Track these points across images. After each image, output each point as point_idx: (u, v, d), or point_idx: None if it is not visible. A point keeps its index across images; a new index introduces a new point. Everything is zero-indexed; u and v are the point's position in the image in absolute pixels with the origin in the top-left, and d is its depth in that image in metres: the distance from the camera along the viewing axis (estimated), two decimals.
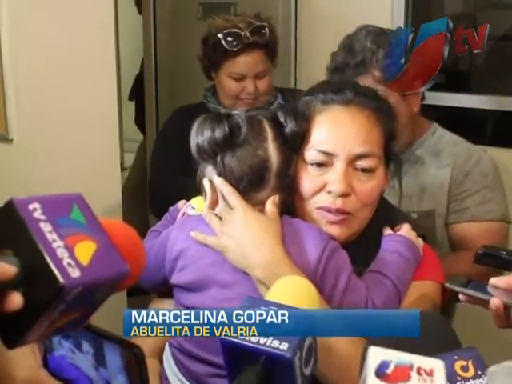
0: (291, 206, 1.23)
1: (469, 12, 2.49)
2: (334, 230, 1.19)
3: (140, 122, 3.43)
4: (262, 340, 0.69)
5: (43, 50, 1.76)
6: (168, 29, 3.05)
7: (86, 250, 0.65)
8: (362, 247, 1.23)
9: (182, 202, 1.38)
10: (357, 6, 2.47)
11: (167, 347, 1.24)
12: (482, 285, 1.04)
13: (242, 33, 1.96)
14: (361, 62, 1.64)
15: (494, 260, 1.13)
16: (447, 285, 1.08)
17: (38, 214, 0.65)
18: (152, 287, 1.33)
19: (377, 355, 0.72)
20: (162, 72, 3.09)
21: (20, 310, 0.62)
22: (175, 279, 1.21)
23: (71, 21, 1.81)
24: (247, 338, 0.70)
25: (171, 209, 1.40)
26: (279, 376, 0.69)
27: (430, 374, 0.70)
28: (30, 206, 0.65)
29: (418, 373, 0.70)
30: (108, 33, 1.93)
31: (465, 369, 0.78)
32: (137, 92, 3.46)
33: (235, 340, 0.70)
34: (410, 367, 0.71)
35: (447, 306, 1.70)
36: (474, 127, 2.58)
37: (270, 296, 0.81)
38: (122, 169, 3.30)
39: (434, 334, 0.87)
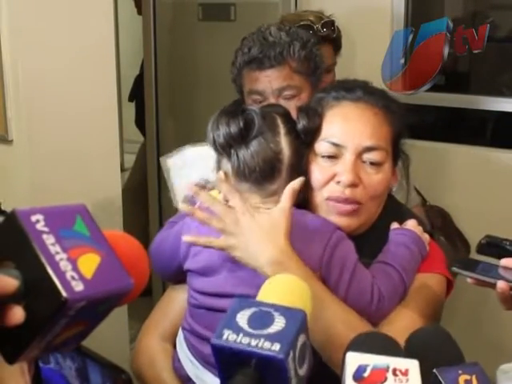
0: (304, 199, 1.27)
1: (469, 12, 2.49)
2: (343, 221, 1.23)
3: (140, 123, 3.43)
4: (254, 341, 0.68)
5: (43, 51, 1.76)
6: (168, 30, 3.05)
7: (89, 263, 0.64)
8: (370, 241, 1.27)
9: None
10: (357, 6, 2.47)
11: (180, 331, 1.31)
12: (491, 266, 1.05)
13: (315, 26, 2.01)
14: (279, 53, 1.66)
15: (496, 250, 1.13)
16: (453, 268, 1.07)
17: (40, 226, 0.63)
18: (165, 275, 1.40)
19: (354, 360, 0.73)
20: (162, 73, 3.09)
21: (22, 324, 0.60)
22: (189, 265, 1.27)
23: (71, 21, 1.81)
24: (238, 340, 0.68)
25: (190, 201, 1.44)
26: (273, 377, 0.68)
27: (405, 373, 0.72)
28: (33, 218, 0.63)
29: (394, 373, 0.72)
30: (108, 33, 1.93)
31: (468, 383, 0.78)
32: (137, 93, 3.45)
33: (225, 343, 0.69)
34: (386, 369, 0.73)
35: None
36: (473, 128, 2.58)
37: (262, 296, 0.80)
38: (122, 170, 3.30)
39: (438, 349, 0.88)
